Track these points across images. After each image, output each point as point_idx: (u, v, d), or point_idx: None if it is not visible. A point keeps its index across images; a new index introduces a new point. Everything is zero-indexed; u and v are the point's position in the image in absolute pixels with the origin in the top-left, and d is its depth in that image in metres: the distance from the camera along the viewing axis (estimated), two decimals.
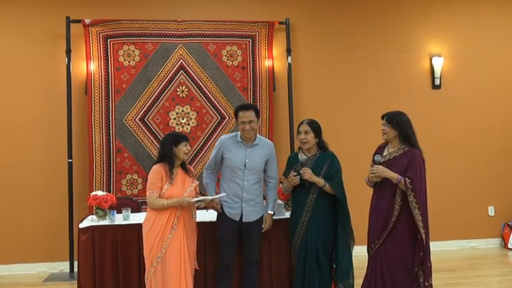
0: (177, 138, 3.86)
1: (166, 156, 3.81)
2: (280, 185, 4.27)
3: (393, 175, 3.67)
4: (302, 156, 4.05)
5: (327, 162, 3.96)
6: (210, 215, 4.20)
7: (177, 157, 3.83)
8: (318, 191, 3.91)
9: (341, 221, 3.93)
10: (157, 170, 3.80)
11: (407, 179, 3.64)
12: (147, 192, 3.81)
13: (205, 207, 4.14)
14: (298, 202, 4.00)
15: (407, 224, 3.69)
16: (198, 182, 3.98)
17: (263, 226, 4.03)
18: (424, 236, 3.63)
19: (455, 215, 6.44)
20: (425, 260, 3.67)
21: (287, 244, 4.13)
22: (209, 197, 3.81)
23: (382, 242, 3.72)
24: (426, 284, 3.66)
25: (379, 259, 3.74)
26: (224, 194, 3.90)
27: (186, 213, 3.84)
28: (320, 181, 3.88)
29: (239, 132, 4.02)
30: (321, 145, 4.03)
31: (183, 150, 3.83)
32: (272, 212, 4.10)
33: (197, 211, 4.07)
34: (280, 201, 4.42)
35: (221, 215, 3.99)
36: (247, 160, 3.95)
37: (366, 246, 3.92)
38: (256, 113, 3.96)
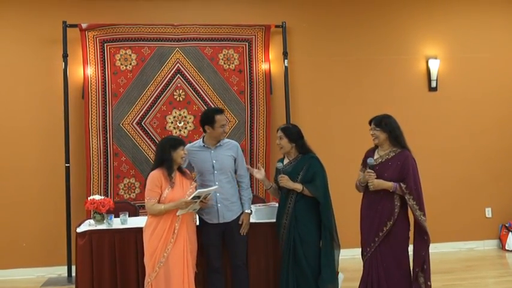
0: (175, 143, 3.87)
1: (165, 161, 3.81)
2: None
3: (389, 184, 3.69)
4: (285, 161, 4.08)
5: (305, 165, 3.95)
6: None
7: (175, 161, 3.84)
8: (297, 194, 3.91)
9: (323, 225, 3.88)
10: (155, 176, 3.80)
11: (402, 184, 3.67)
12: (145, 199, 3.82)
13: (200, 209, 4.11)
14: (280, 205, 4.05)
15: (402, 226, 3.73)
16: (196, 184, 3.99)
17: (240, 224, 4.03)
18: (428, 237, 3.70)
19: (452, 216, 6.44)
20: (426, 260, 3.70)
21: None
22: (204, 190, 3.78)
23: (377, 245, 3.73)
24: (428, 283, 3.71)
25: (374, 262, 3.74)
26: (216, 186, 3.91)
27: (188, 217, 3.84)
28: (298, 186, 3.87)
29: (201, 139, 4.13)
30: (301, 149, 4.01)
31: (180, 154, 3.84)
32: (249, 211, 4.08)
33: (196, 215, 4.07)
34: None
35: (202, 222, 4.04)
36: (214, 161, 4.01)
37: (360, 249, 3.91)
38: None
